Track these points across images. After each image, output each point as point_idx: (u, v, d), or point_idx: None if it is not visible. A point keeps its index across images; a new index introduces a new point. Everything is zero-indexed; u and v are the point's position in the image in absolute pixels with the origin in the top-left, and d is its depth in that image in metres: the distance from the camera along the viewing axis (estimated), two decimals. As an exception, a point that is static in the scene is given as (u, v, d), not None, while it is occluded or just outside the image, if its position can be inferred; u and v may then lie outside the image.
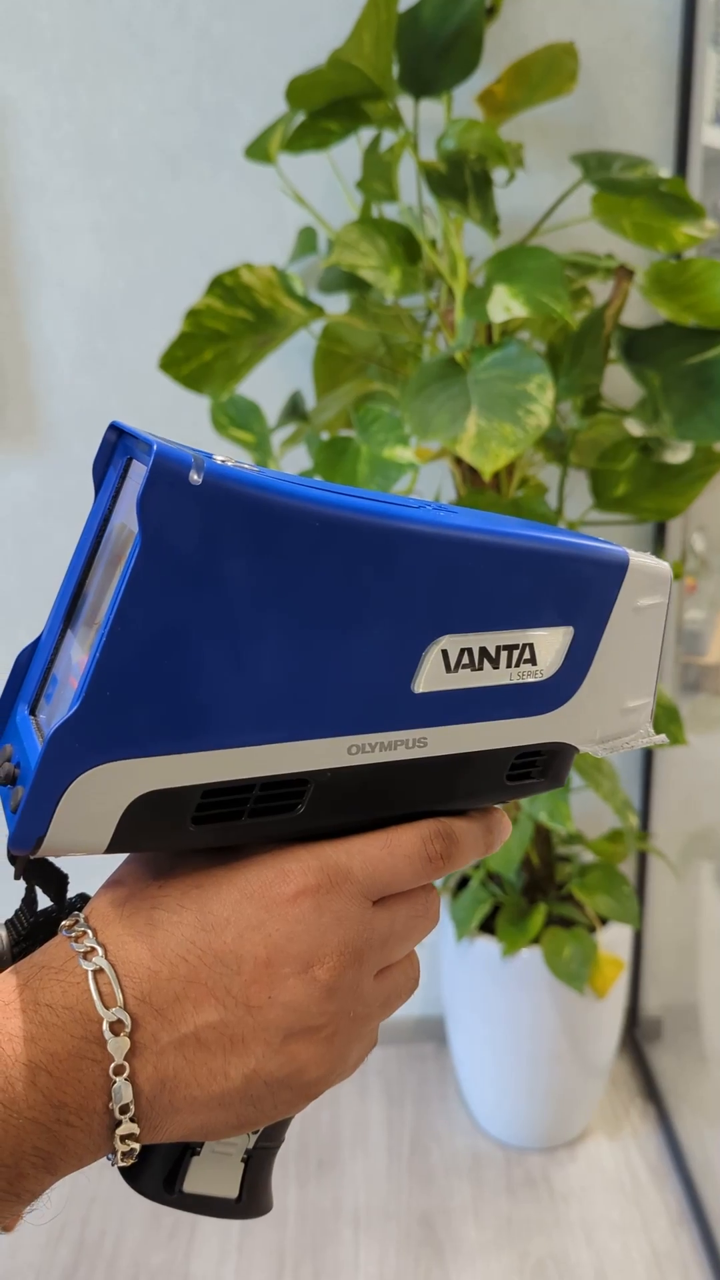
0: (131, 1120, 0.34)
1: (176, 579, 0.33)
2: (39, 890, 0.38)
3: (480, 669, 0.38)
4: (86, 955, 0.34)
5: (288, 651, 0.35)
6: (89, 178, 1.39)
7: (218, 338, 1.19)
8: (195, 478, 0.33)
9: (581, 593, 0.40)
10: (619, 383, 1.38)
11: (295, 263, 1.37)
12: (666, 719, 1.31)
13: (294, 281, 1.20)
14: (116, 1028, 0.33)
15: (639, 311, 1.38)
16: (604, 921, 1.47)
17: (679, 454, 1.20)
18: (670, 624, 1.58)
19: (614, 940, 1.48)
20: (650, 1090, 1.67)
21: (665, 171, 1.24)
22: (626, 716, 0.42)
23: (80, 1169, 0.34)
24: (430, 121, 1.28)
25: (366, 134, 1.30)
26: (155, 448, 0.32)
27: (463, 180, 1.14)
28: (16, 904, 0.38)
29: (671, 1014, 1.71)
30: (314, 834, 0.37)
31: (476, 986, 1.52)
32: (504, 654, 0.38)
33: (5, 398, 1.47)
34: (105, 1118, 0.33)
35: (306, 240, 1.34)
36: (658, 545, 1.50)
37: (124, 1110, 0.33)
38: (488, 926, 1.48)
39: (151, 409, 1.47)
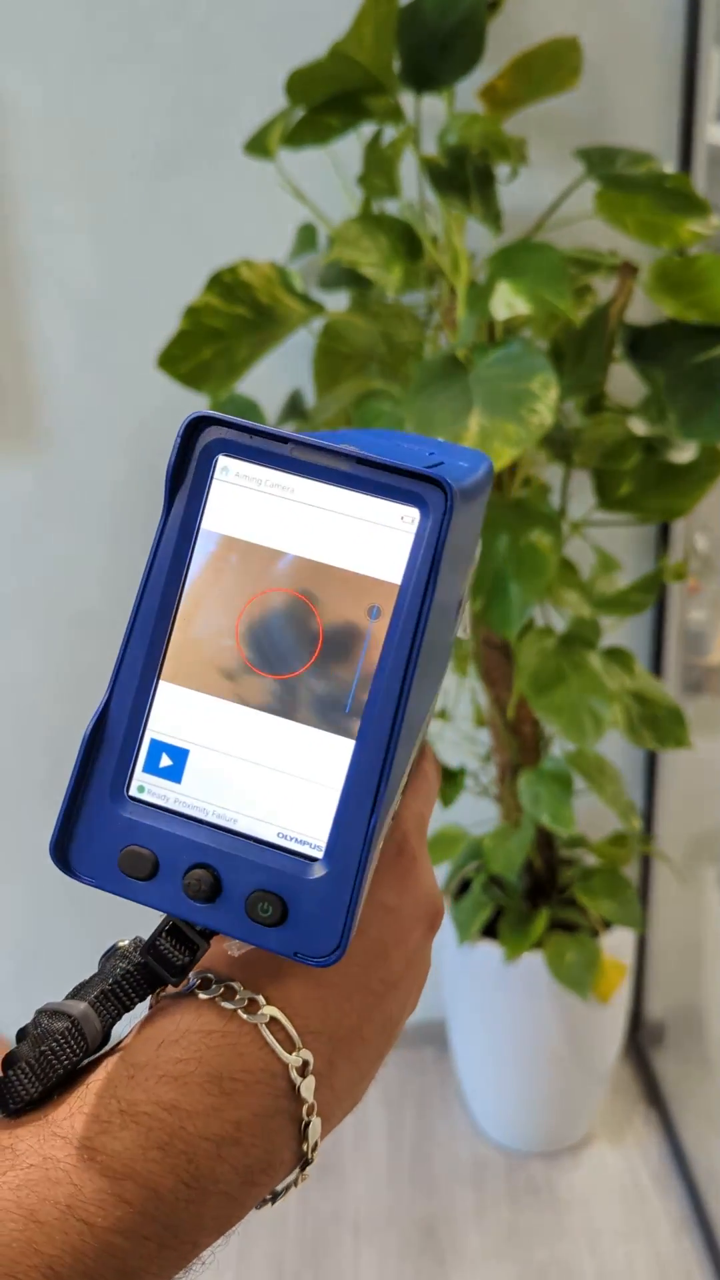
0: (314, 1150, 0.32)
1: (442, 612, 0.32)
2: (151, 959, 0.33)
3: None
4: (248, 1009, 0.31)
5: (449, 638, 0.36)
6: (86, 174, 1.38)
7: (216, 336, 1.18)
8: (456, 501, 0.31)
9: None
10: (622, 381, 1.36)
11: (295, 260, 1.35)
12: (672, 722, 1.29)
13: (294, 278, 1.19)
14: (303, 1069, 0.31)
15: (642, 309, 1.36)
16: (607, 925, 1.46)
17: (684, 453, 1.19)
18: (675, 623, 1.56)
19: (617, 944, 1.46)
20: (653, 1095, 1.65)
21: (669, 167, 1.22)
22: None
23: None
24: (431, 116, 1.26)
25: (367, 130, 1.28)
26: (450, 487, 0.30)
27: (465, 176, 1.13)
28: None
29: (675, 1018, 1.70)
30: None
31: (478, 991, 1.50)
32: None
33: (2, 397, 1.46)
34: (292, 1162, 0.32)
35: (306, 237, 1.33)
36: (662, 546, 1.49)
37: (315, 1148, 0.32)
38: (489, 931, 1.47)
39: (149, 408, 1.46)
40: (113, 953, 0.33)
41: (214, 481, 0.32)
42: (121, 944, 0.33)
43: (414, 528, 0.30)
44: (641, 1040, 1.74)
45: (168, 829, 0.31)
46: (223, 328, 1.17)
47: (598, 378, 1.14)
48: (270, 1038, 0.31)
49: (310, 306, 1.18)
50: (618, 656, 1.27)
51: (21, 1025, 0.32)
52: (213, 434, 0.32)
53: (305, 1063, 0.31)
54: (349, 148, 1.28)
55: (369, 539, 0.31)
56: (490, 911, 1.45)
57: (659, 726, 1.31)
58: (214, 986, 0.32)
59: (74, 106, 1.35)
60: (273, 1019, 0.31)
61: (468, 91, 1.27)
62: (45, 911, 1.62)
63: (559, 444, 1.22)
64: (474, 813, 1.54)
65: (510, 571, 1.11)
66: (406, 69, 1.15)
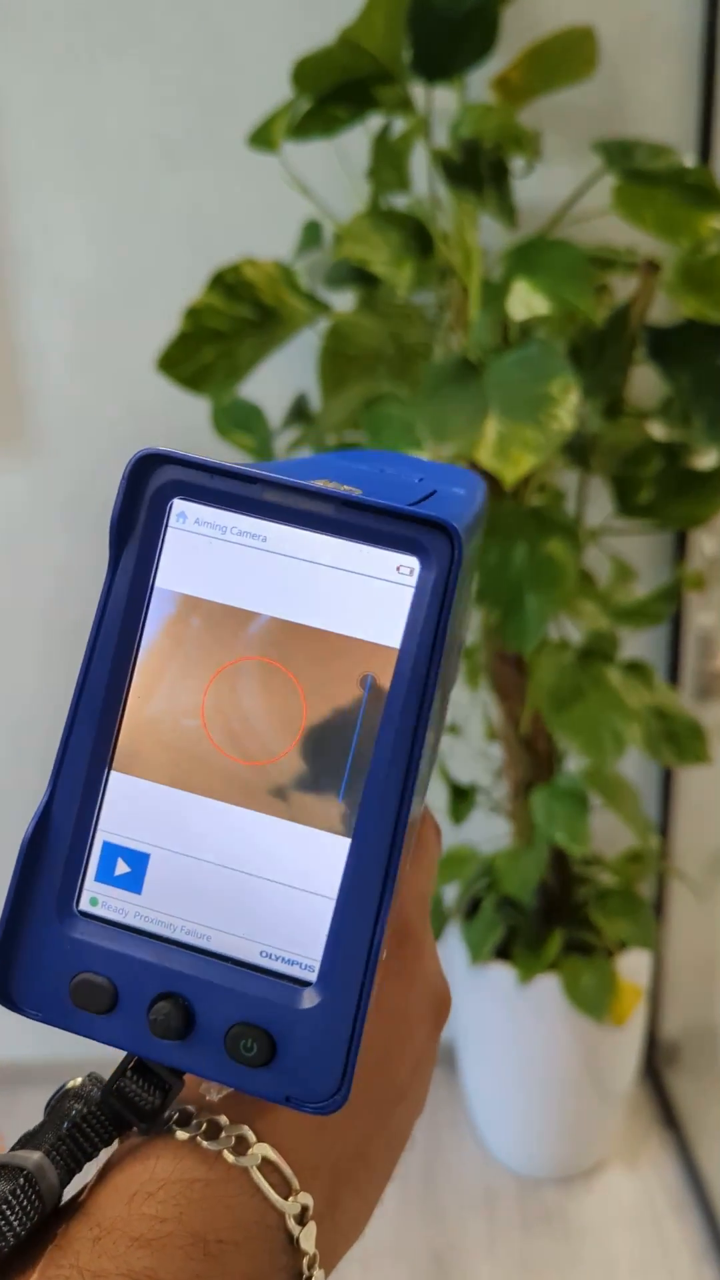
0: None
1: (446, 677, 0.27)
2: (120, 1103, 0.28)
3: None
4: (237, 1149, 0.26)
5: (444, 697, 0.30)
6: (82, 169, 1.33)
7: (218, 337, 1.13)
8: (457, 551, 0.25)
9: None
10: (638, 383, 1.32)
11: (300, 257, 1.31)
12: (691, 737, 1.25)
13: (298, 277, 1.14)
14: (302, 1216, 0.26)
15: (659, 309, 1.32)
16: (622, 945, 1.42)
17: (707, 459, 1.14)
18: (692, 631, 1.52)
19: (632, 964, 1.42)
20: (669, 1118, 1.61)
21: (688, 160, 1.18)
22: None
23: None
24: (442, 108, 1.22)
25: (375, 122, 1.24)
26: (456, 532, 0.25)
27: (478, 169, 1.08)
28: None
29: (691, 1038, 1.66)
30: None
31: (490, 1013, 1.46)
32: None
33: (-5, 400, 1.41)
34: None
35: (311, 234, 1.28)
36: (679, 554, 1.44)
37: None
38: (501, 952, 1.42)
39: (148, 411, 1.41)
40: (64, 1094, 0.28)
41: (169, 530, 0.27)
42: (72, 1084, 0.28)
43: (414, 580, 0.25)
44: (656, 1061, 1.70)
45: (127, 951, 0.26)
46: (224, 329, 1.12)
47: (617, 380, 1.09)
48: (263, 1183, 0.26)
49: (316, 306, 1.13)
50: (636, 670, 1.23)
51: None
52: (166, 474, 0.27)
53: (304, 1208, 0.26)
54: (356, 141, 1.23)
55: (360, 595, 0.26)
56: (502, 932, 1.40)
57: (679, 742, 1.26)
58: (195, 1123, 0.27)
59: (69, 98, 1.30)
60: (265, 1160, 0.26)
61: (479, 82, 1.22)
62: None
63: (576, 449, 1.18)
64: (485, 830, 1.49)
65: (528, 583, 1.06)
66: (417, 58, 1.11)
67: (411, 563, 0.25)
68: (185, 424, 1.38)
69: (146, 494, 0.27)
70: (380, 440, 1.09)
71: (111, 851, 0.27)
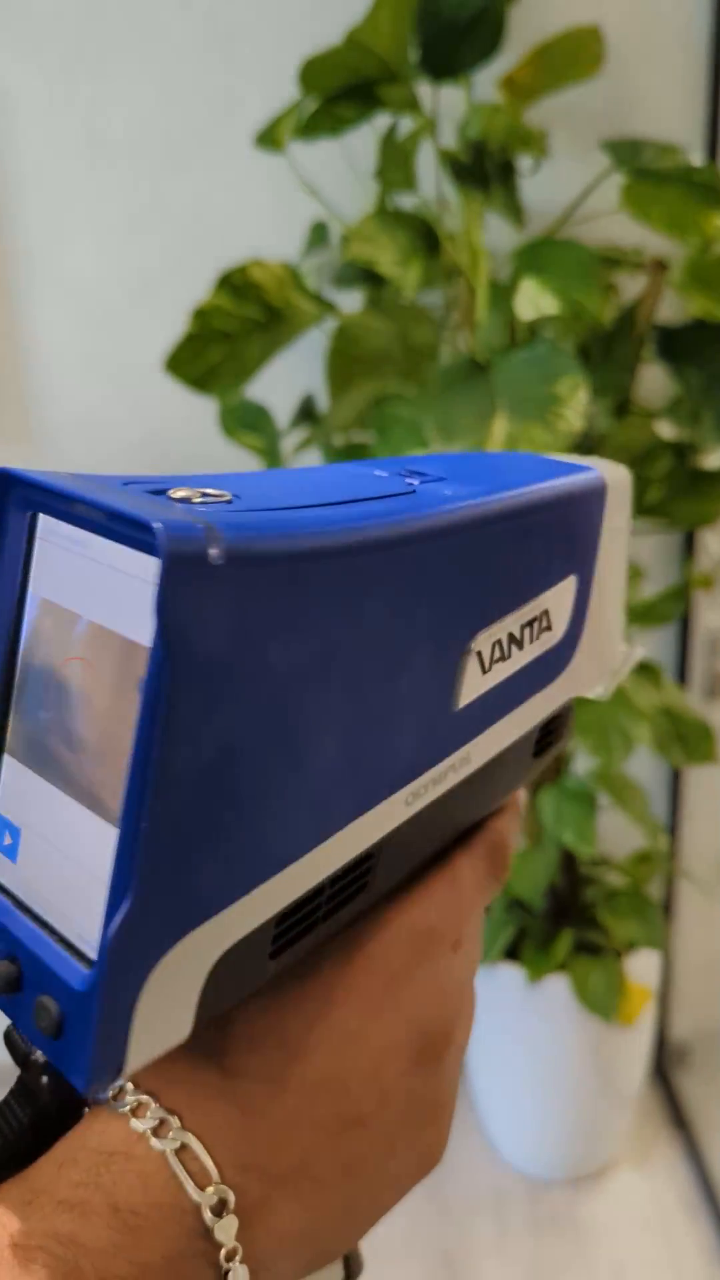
0: None
1: (217, 692, 0.25)
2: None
3: (509, 657, 0.33)
4: (158, 1131, 0.27)
5: (338, 725, 0.28)
6: (89, 170, 1.33)
7: (225, 338, 1.13)
8: (215, 554, 0.24)
9: (577, 533, 0.35)
10: (647, 383, 1.31)
11: (306, 258, 1.30)
12: (699, 738, 1.24)
13: (306, 278, 1.14)
14: (220, 1208, 0.27)
15: (667, 308, 1.32)
16: (630, 946, 1.41)
17: (716, 458, 1.14)
18: (701, 630, 1.52)
19: (641, 965, 1.41)
20: (678, 1118, 1.61)
21: (697, 159, 1.18)
22: (615, 644, 0.39)
23: None
24: (449, 108, 1.22)
25: (381, 122, 1.24)
26: (158, 528, 0.23)
27: (485, 169, 1.08)
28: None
29: (700, 1038, 1.65)
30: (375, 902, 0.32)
31: (498, 1014, 1.46)
32: (527, 631, 0.34)
33: (1, 402, 1.41)
34: None
35: (319, 234, 1.28)
36: (687, 554, 1.44)
37: None
38: (510, 952, 1.42)
39: (155, 412, 1.41)
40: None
41: (37, 542, 0.30)
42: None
43: (154, 582, 0.24)
44: (665, 1061, 1.69)
45: (1, 911, 0.28)
46: (232, 330, 1.12)
47: (626, 380, 1.09)
48: (179, 1169, 0.26)
49: (323, 307, 1.13)
50: (645, 670, 1.22)
51: None
52: (24, 492, 0.29)
53: (222, 1201, 0.27)
54: (363, 141, 1.23)
55: (137, 598, 0.26)
56: (512, 933, 1.40)
57: (687, 742, 1.26)
58: (129, 1099, 0.28)
59: (75, 99, 1.30)
60: (184, 1146, 0.27)
61: (486, 82, 1.22)
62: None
63: (585, 449, 1.18)
64: (493, 829, 1.49)
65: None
66: (424, 58, 1.10)
67: (154, 565, 0.24)
68: (193, 425, 1.38)
69: (8, 508, 0.29)
70: (387, 440, 1.09)
71: (2, 823, 0.30)
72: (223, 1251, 0.27)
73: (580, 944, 1.41)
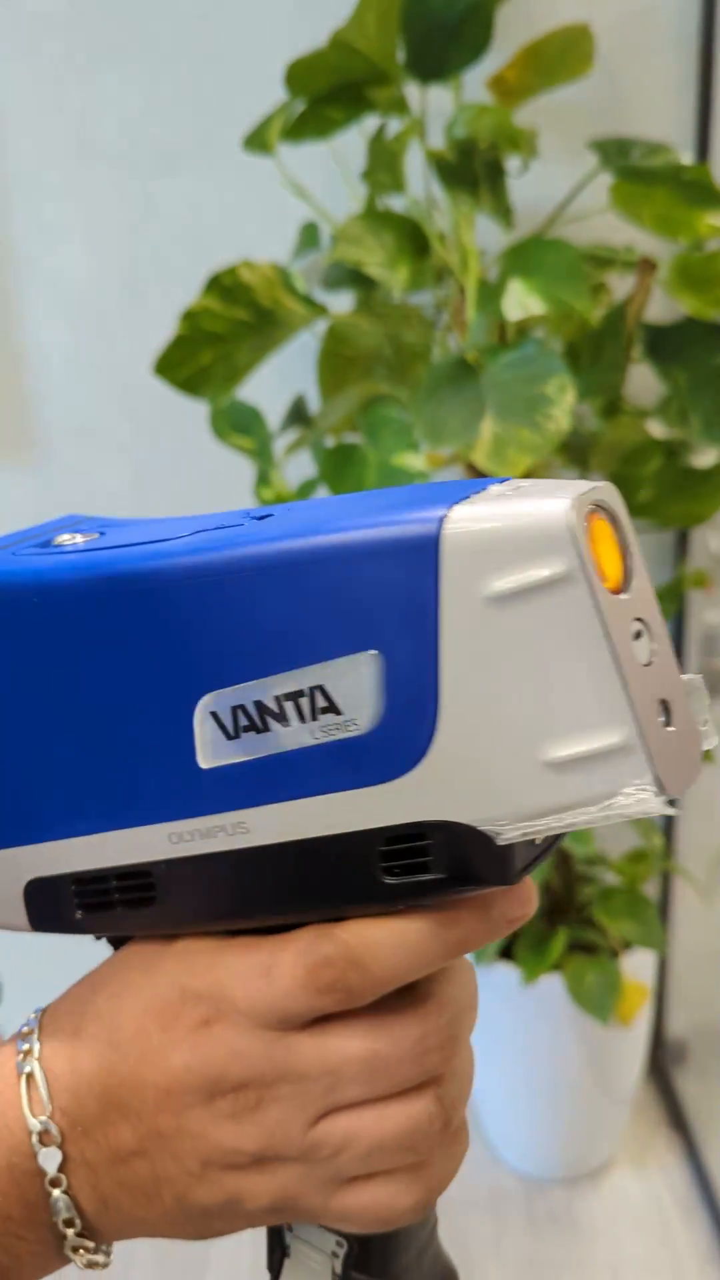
0: (80, 1235, 0.32)
1: None
2: None
3: (266, 730, 0.29)
4: (25, 1056, 0.32)
5: (73, 739, 0.32)
6: (80, 173, 1.33)
7: (216, 340, 1.13)
8: None
9: (369, 598, 0.28)
10: (637, 382, 1.31)
11: (297, 260, 1.30)
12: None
13: (295, 279, 1.14)
14: (45, 1138, 0.31)
15: (660, 307, 1.32)
16: (627, 944, 1.42)
17: (705, 457, 1.14)
18: (695, 628, 1.52)
19: (637, 963, 1.42)
20: (676, 1118, 1.61)
21: (686, 158, 1.18)
22: (563, 774, 0.28)
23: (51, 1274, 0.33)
24: (438, 108, 1.22)
25: (370, 123, 1.24)
26: None
27: (474, 169, 1.08)
28: None
29: (697, 1037, 1.65)
30: (209, 930, 0.33)
31: (493, 1014, 1.46)
32: (289, 706, 0.29)
33: (-5, 405, 1.42)
34: (52, 1231, 0.32)
35: (308, 236, 1.28)
36: (680, 553, 1.44)
37: (68, 1224, 0.31)
38: (505, 952, 1.42)
39: (147, 415, 1.41)
40: None
41: None
42: None
43: None
44: (663, 1060, 1.69)
45: None
46: (222, 331, 1.12)
47: (616, 379, 1.09)
48: (22, 1092, 0.31)
49: (313, 308, 1.13)
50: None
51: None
52: None
53: (46, 1131, 0.31)
54: (352, 142, 1.23)
55: None
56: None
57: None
58: (28, 1025, 0.33)
59: (67, 103, 1.30)
60: (30, 1073, 0.31)
61: (475, 81, 1.22)
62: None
63: (575, 449, 1.18)
64: (488, 829, 1.49)
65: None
66: (411, 58, 1.11)
67: None
68: (186, 427, 1.39)
69: None
70: (378, 441, 1.09)
71: None
72: (47, 1178, 0.31)
73: (575, 943, 1.42)
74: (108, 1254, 0.33)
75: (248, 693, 0.29)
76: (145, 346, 1.29)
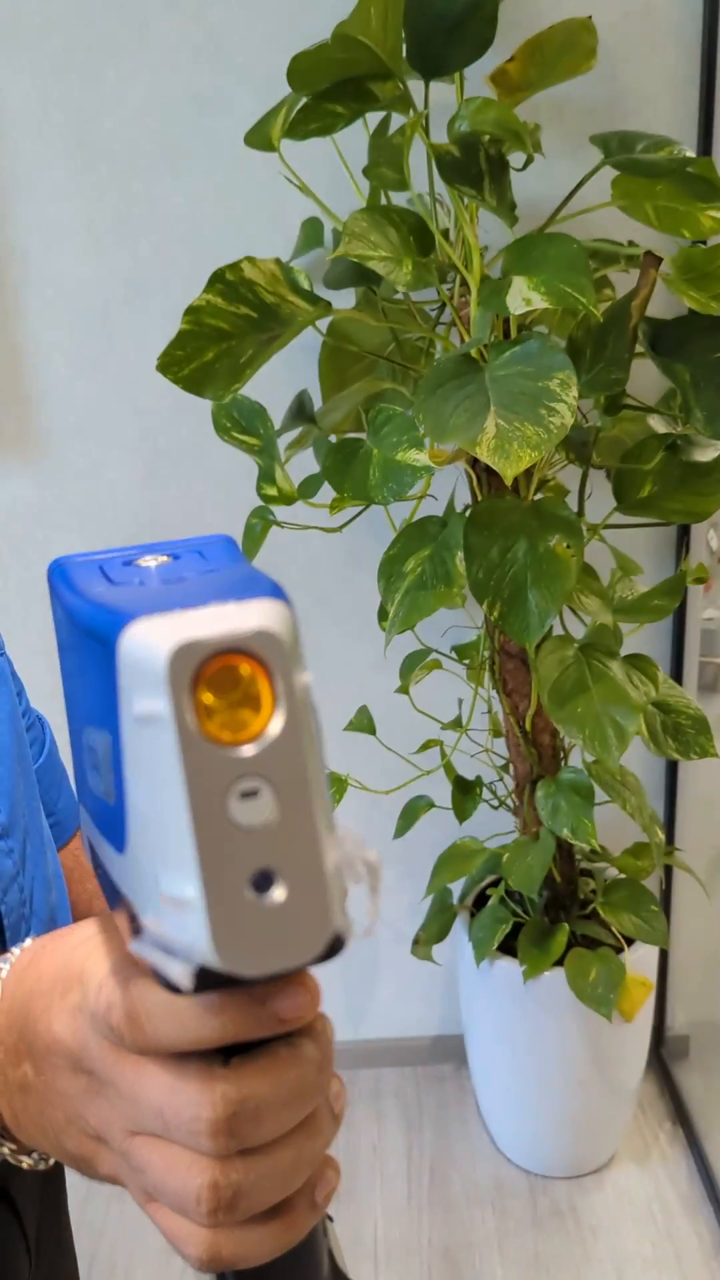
0: (2, 1136, 0.37)
1: None
2: None
3: (95, 770, 0.31)
4: None
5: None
6: (81, 171, 1.33)
7: (219, 336, 1.13)
8: None
9: (112, 683, 0.27)
10: (640, 378, 1.31)
11: (300, 256, 1.30)
12: (697, 731, 1.24)
13: (299, 276, 1.14)
14: None
15: (660, 302, 1.31)
16: (629, 940, 1.41)
17: (708, 452, 1.14)
18: (695, 624, 1.52)
19: (640, 958, 1.41)
20: (679, 1113, 1.61)
21: (690, 152, 1.17)
22: (168, 908, 0.27)
23: None
24: (441, 103, 1.21)
25: (373, 119, 1.23)
26: None
27: (477, 165, 1.07)
28: None
29: (700, 1031, 1.65)
30: None
31: (497, 1009, 1.46)
32: (91, 757, 0.31)
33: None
34: None
35: (312, 232, 1.28)
36: (681, 547, 1.44)
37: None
38: (507, 946, 1.42)
39: (151, 412, 1.41)
40: None
41: None
42: None
43: None
44: (665, 1055, 1.69)
45: None
46: (226, 328, 1.12)
47: (619, 375, 1.09)
48: None
49: (317, 305, 1.13)
50: (640, 664, 1.22)
51: None
52: None
53: None
54: (355, 138, 1.23)
55: None
56: (508, 927, 1.40)
57: (683, 736, 1.26)
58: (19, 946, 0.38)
59: (67, 101, 1.30)
60: None
61: (478, 76, 1.21)
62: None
63: (578, 444, 1.17)
64: (491, 826, 1.49)
65: (529, 578, 1.06)
66: (414, 53, 1.10)
67: None
68: (189, 424, 1.38)
69: None
70: (381, 438, 1.09)
71: None
72: None
73: (578, 938, 1.41)
74: (40, 1159, 0.38)
75: (86, 736, 0.32)
76: (147, 344, 1.29)
